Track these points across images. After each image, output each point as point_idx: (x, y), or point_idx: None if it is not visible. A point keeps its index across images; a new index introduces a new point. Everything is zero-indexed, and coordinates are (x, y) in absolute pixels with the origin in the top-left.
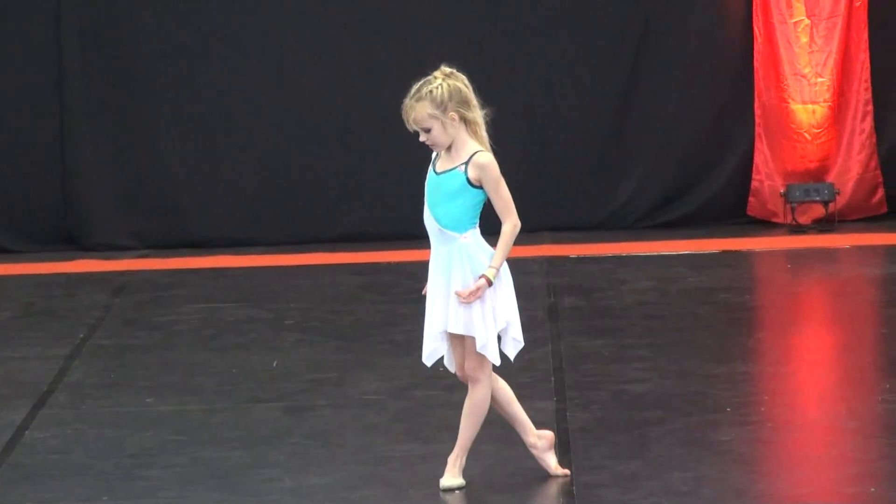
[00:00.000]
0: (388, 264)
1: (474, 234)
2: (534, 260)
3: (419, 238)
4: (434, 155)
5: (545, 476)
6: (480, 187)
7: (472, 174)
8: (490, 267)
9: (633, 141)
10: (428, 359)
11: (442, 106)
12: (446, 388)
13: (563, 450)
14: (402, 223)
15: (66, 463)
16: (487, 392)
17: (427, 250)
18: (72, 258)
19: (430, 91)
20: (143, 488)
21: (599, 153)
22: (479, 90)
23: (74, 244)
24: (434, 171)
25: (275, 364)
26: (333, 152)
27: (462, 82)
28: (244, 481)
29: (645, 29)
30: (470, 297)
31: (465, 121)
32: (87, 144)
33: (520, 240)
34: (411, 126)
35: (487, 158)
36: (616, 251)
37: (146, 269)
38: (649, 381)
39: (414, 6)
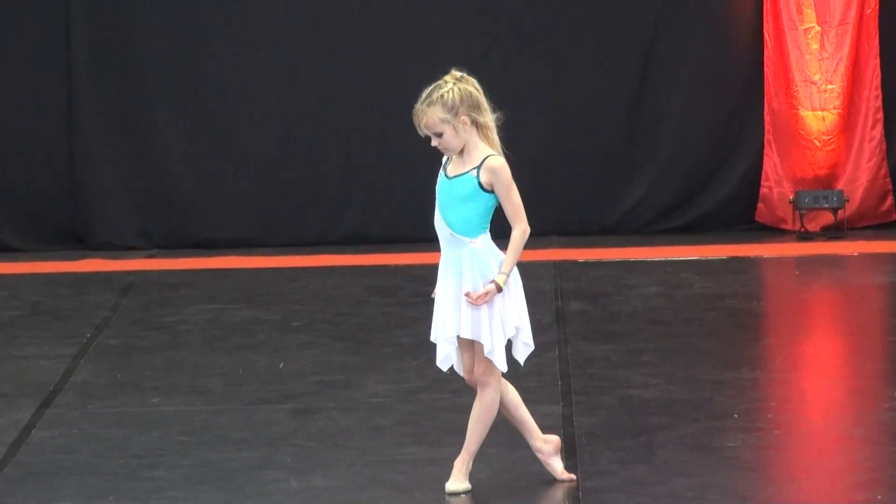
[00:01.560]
0: (395, 267)
1: (485, 239)
2: (541, 264)
3: (426, 241)
4: (445, 158)
5: (551, 480)
6: (492, 192)
7: (483, 178)
8: (500, 273)
9: (641, 146)
10: (442, 363)
11: (453, 110)
12: (453, 391)
13: (569, 454)
14: (409, 226)
15: (71, 462)
16: (496, 396)
17: (434, 253)
18: (79, 258)
19: (442, 95)
20: (149, 488)
21: (608, 158)
22: (487, 94)
23: (82, 243)
24: (445, 174)
25: (281, 366)
26: (340, 154)
27: (473, 86)
28: (250, 482)
29: (655, 34)
30: (479, 301)
31: (477, 125)
32: (96, 144)
33: (528, 244)
34: (423, 131)
35: (500, 162)
36: (624, 256)
37: (153, 269)
38: (656, 386)
39: (421, 7)
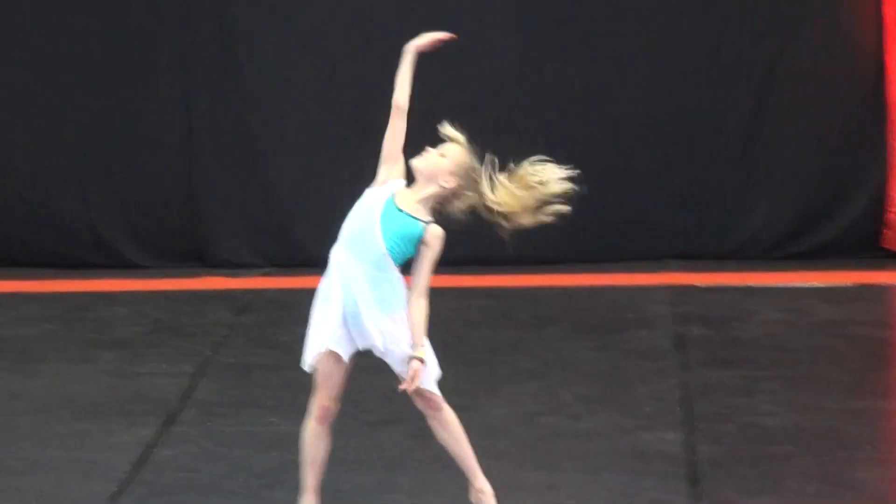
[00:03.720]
0: (513, 289)
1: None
2: (658, 288)
3: (545, 263)
4: (393, 189)
5: None
6: (417, 251)
7: (427, 236)
8: (418, 347)
9: (763, 168)
10: (311, 356)
11: (468, 171)
12: (572, 416)
13: (691, 482)
14: (527, 248)
15: (193, 482)
16: (449, 411)
17: (552, 275)
18: (198, 275)
19: (475, 171)
20: None
21: (728, 180)
22: (600, 108)
23: (201, 261)
24: (394, 202)
25: (399, 388)
26: None
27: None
28: None
29: (775, 53)
30: (415, 384)
31: (458, 196)
32: (214, 163)
33: (644, 267)
34: (449, 137)
35: (442, 233)
36: (744, 281)
37: (269, 287)
38: (779, 414)
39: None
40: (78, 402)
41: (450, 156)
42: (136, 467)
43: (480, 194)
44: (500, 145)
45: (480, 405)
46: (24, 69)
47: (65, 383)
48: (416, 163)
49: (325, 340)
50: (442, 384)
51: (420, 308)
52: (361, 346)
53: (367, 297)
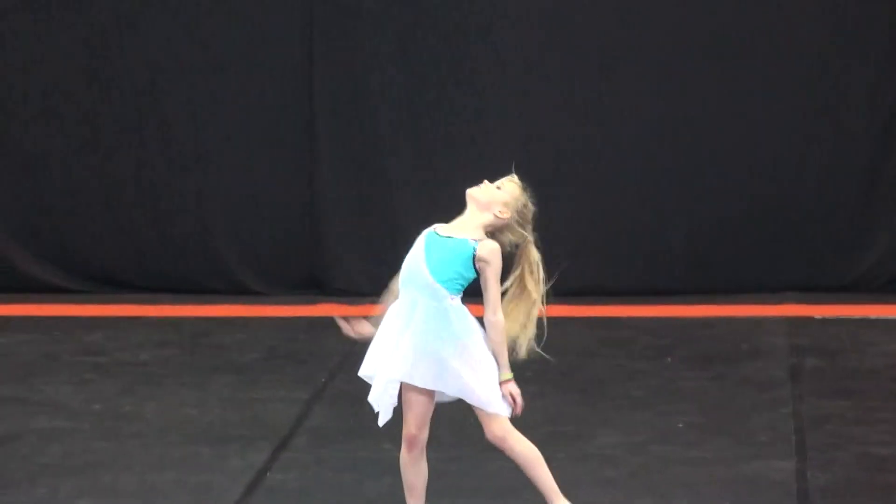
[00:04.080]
0: (627, 319)
1: (460, 301)
2: (774, 319)
3: (660, 294)
4: (435, 227)
5: None
6: (476, 270)
7: (480, 252)
8: (504, 369)
9: (884, 200)
10: (384, 414)
11: (520, 207)
12: (684, 444)
13: None
14: (642, 278)
15: None
16: (522, 440)
17: (669, 306)
18: (315, 302)
19: (527, 207)
20: None
21: (849, 208)
22: (718, 143)
23: (318, 288)
24: (436, 233)
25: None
26: (569, 203)
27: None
28: None
29: None
30: (519, 408)
31: (509, 229)
32: (334, 191)
33: (761, 299)
34: (500, 179)
35: (496, 246)
36: (864, 314)
37: None
38: (895, 444)
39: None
40: (192, 426)
41: (506, 189)
42: (249, 491)
43: (528, 235)
44: (628, 177)
45: (592, 433)
46: (156, 101)
47: (180, 407)
48: (473, 191)
49: (386, 396)
50: (555, 411)
51: (495, 326)
52: (397, 377)
53: (417, 330)
